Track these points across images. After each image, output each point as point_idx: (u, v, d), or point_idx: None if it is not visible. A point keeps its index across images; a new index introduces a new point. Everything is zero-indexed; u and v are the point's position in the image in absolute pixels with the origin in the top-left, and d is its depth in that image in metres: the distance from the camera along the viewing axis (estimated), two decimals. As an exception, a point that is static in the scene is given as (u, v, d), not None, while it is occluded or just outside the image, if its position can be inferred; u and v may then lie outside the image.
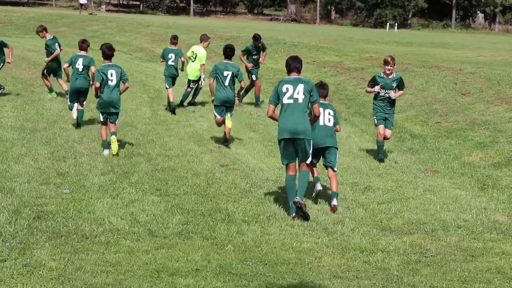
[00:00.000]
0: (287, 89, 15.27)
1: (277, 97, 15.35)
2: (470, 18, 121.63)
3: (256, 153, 20.71)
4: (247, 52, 29.75)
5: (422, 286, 11.16)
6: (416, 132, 24.61)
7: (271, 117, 15.84)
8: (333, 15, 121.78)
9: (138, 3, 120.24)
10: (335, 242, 13.42)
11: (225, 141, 21.66)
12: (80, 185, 16.02)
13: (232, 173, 18.10)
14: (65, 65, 23.84)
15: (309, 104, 15.22)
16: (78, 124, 22.58)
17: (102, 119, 19.67)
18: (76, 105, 22.63)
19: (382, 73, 20.89)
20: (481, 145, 22.22)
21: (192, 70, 27.89)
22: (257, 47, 29.79)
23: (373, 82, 20.91)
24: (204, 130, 23.45)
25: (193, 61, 27.93)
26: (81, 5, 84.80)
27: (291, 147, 15.30)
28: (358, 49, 44.87)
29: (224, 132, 21.72)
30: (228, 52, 21.98)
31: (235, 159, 19.81)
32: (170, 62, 27.72)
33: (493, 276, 11.81)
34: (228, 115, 21.52)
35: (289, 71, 15.67)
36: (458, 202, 16.70)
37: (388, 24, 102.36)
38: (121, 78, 19.75)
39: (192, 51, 28.20)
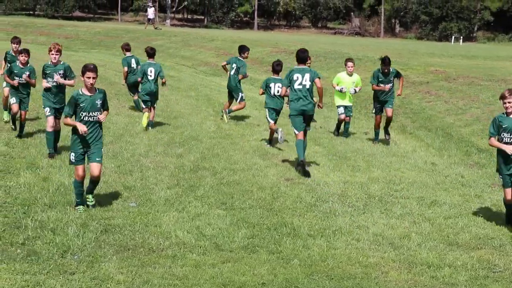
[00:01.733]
0: (297, 77, 20.11)
1: (289, 81, 20.17)
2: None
3: (321, 167, 20.68)
4: (375, 79, 24.92)
5: (491, 302, 11.08)
6: (483, 146, 24.37)
7: (286, 95, 21.04)
8: (397, 28, 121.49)
9: (203, 17, 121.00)
10: (401, 257, 13.36)
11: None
12: (147, 199, 16.14)
13: (297, 187, 18.11)
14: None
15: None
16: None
17: (144, 106, 25.68)
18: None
19: (503, 113, 15.98)
20: (549, 159, 21.96)
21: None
22: (384, 73, 24.86)
23: (495, 127, 16.08)
24: (267, 146, 23.45)
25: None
26: (149, 20, 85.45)
27: (302, 120, 20.19)
28: (423, 63, 44.64)
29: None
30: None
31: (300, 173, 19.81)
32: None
33: None
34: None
35: (298, 62, 20.56)
36: (526, 217, 16.52)
37: (453, 37, 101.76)
38: (159, 74, 25.73)
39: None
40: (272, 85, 23.52)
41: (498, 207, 17.13)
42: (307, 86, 20.02)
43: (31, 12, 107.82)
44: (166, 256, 12.60)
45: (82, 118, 14.62)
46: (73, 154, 14.82)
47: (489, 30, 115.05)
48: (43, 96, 19.99)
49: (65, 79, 19.92)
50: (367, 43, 76.02)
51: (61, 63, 19.98)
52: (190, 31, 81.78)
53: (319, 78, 20.30)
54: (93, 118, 14.73)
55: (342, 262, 12.94)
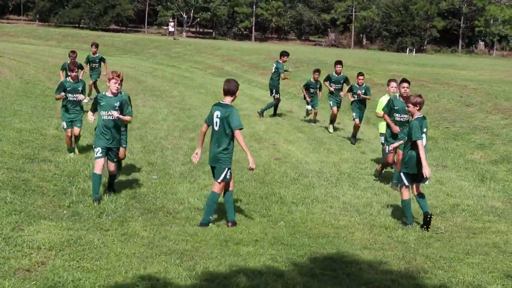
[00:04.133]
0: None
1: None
2: (473, 45, 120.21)
3: (303, 150, 20.67)
4: (387, 107, 16.84)
5: (434, 256, 11.07)
6: (430, 135, 24.28)
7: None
8: (364, 41, 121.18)
9: (211, 31, 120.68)
10: (365, 221, 13.38)
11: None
12: (165, 173, 16.14)
13: (284, 165, 18.10)
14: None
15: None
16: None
17: None
18: None
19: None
20: (481, 146, 21.98)
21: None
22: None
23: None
24: (262, 131, 23.44)
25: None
26: (169, 32, 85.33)
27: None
28: (384, 69, 44.55)
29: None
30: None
31: (286, 154, 19.80)
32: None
33: (490, 250, 11.70)
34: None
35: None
36: (463, 191, 16.54)
37: (407, 49, 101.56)
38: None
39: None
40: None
41: (441, 183, 17.16)
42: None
43: (76, 25, 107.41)
44: (180, 217, 12.63)
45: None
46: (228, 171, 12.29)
47: (436, 44, 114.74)
48: (96, 134, 13.58)
49: (121, 113, 13.43)
50: (340, 53, 75.75)
51: (119, 93, 13.62)
52: (201, 41, 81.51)
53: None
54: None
55: (318, 224, 12.96)
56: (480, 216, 14.29)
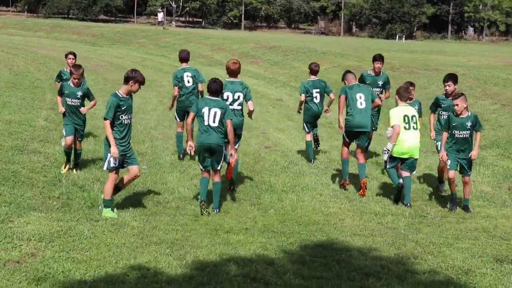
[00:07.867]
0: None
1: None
2: (463, 31, 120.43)
3: (293, 138, 20.67)
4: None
5: (424, 242, 11.11)
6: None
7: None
8: (354, 29, 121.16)
9: (201, 20, 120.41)
10: (355, 208, 13.40)
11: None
12: (156, 163, 16.12)
13: (274, 153, 18.10)
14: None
15: None
16: None
17: None
18: None
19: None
20: (470, 131, 22.01)
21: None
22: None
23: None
24: (251, 120, 23.39)
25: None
26: (159, 22, 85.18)
27: None
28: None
29: None
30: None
31: (276, 142, 19.80)
32: None
33: (480, 234, 11.75)
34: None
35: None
36: (452, 176, 16.58)
37: (397, 36, 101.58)
38: None
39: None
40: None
41: (430, 169, 17.20)
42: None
43: (65, 16, 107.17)
44: (170, 207, 12.62)
45: None
46: None
47: (425, 31, 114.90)
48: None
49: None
50: (330, 41, 75.73)
51: None
52: (191, 30, 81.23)
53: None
54: None
55: (308, 211, 12.98)
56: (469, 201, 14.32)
